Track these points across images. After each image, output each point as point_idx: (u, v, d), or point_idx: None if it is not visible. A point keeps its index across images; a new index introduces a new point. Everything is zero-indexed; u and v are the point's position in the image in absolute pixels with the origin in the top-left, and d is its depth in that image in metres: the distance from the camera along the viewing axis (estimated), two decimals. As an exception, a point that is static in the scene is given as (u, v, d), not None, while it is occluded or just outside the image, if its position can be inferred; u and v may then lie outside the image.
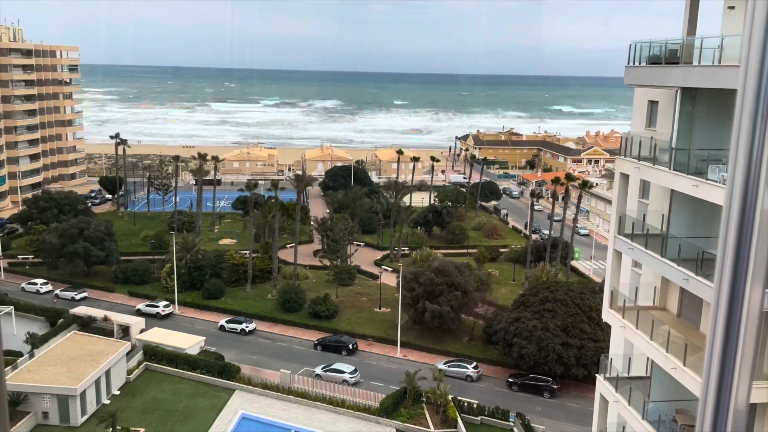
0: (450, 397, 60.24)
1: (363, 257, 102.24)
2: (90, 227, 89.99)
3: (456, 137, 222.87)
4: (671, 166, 28.00)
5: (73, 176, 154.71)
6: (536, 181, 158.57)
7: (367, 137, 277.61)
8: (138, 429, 54.49)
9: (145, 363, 66.51)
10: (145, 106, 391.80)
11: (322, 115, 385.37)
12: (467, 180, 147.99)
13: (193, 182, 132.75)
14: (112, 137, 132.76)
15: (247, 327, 77.82)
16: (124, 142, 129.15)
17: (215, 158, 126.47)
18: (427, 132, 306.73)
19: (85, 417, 56.97)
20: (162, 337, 70.19)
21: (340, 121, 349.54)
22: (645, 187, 32.81)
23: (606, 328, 53.54)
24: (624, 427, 32.49)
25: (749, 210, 2.35)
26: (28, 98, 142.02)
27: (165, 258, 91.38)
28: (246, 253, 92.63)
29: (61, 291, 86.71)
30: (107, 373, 60.45)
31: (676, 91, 28.86)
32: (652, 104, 32.71)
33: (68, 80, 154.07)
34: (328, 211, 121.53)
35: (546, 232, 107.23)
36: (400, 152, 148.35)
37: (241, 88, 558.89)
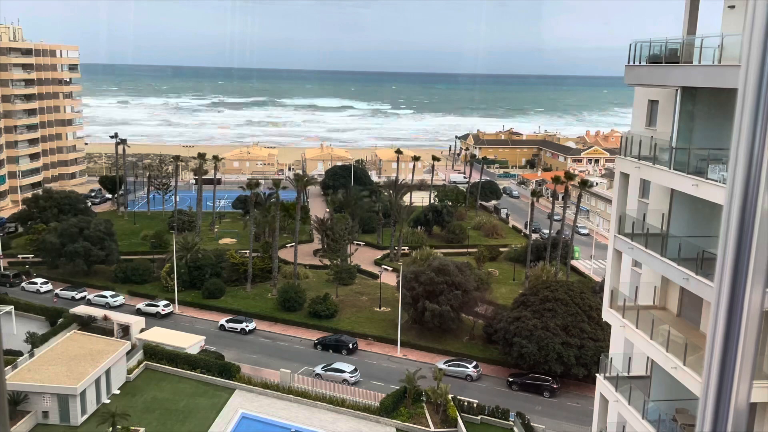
0: (450, 396, 60.23)
1: (363, 256, 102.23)
2: (90, 227, 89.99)
3: (456, 137, 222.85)
4: (671, 166, 28.00)
5: (73, 175, 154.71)
6: (536, 181, 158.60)
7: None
8: (138, 428, 54.48)
9: (145, 362, 66.51)
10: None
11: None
12: (467, 179, 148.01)
13: (193, 182, 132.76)
14: (111, 137, 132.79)
15: (247, 326, 77.82)
16: (123, 141, 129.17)
17: (215, 158, 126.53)
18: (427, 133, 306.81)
19: (85, 416, 56.98)
20: (162, 336, 70.19)
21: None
22: (645, 187, 32.81)
23: (606, 328, 53.57)
24: (624, 427, 32.50)
25: (749, 209, 2.35)
26: (28, 97, 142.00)
27: (165, 257, 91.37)
28: (246, 253, 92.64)
29: (61, 290, 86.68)
30: (107, 373, 60.45)
31: (677, 90, 28.87)
32: (652, 103, 32.71)
33: (68, 80, 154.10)
34: (328, 210, 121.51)
35: (546, 231, 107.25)
36: (399, 152, 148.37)
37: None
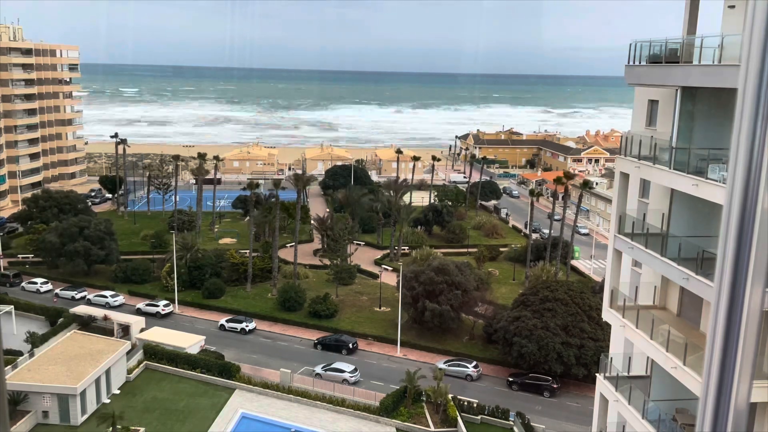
0: (450, 396, 60.23)
1: (363, 256, 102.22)
2: (90, 226, 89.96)
3: (456, 136, 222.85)
4: (671, 166, 28.00)
5: (73, 175, 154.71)
6: (536, 180, 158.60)
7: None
8: (138, 428, 54.48)
9: (145, 362, 66.49)
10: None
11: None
12: (467, 179, 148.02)
13: (193, 181, 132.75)
14: (112, 137, 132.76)
15: (247, 326, 77.81)
16: (124, 141, 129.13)
17: (215, 157, 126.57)
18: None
19: (85, 416, 56.96)
20: (162, 336, 70.18)
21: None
22: (645, 187, 32.80)
23: (606, 328, 53.57)
24: (624, 427, 32.50)
25: (749, 209, 2.35)
26: (28, 97, 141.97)
27: (165, 257, 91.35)
28: (246, 253, 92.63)
29: (61, 290, 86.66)
30: (107, 373, 60.43)
31: (677, 90, 28.87)
32: (653, 103, 32.71)
33: (68, 79, 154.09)
34: (328, 210, 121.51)
35: (546, 231, 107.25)
36: (399, 152, 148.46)
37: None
